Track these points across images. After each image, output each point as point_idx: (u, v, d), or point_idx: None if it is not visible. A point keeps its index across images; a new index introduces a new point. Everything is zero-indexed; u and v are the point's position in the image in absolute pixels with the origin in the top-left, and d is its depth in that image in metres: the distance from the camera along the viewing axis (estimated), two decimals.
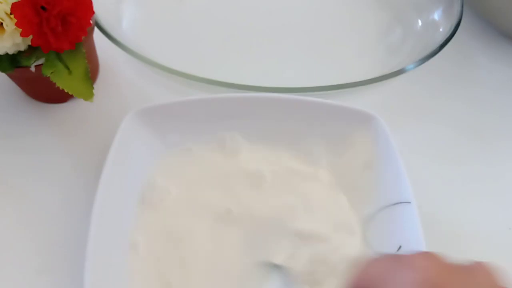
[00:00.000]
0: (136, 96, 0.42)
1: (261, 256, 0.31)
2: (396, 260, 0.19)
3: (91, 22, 0.35)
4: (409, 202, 0.31)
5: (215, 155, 0.37)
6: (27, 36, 0.32)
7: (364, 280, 0.20)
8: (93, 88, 0.35)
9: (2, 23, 0.32)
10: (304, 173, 0.36)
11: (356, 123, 0.36)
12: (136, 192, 0.34)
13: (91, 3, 0.34)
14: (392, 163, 0.33)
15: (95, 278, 0.28)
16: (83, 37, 0.34)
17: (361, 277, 0.20)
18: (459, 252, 0.19)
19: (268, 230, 0.33)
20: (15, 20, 0.31)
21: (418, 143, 0.41)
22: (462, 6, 0.45)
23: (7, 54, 0.34)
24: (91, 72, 0.36)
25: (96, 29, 0.39)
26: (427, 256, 0.18)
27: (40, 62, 0.35)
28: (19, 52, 0.34)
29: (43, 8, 0.32)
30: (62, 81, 0.34)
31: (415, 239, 0.30)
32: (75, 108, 0.41)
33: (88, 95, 0.35)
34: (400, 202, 0.32)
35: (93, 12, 0.35)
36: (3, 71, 0.35)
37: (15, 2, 0.31)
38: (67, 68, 0.35)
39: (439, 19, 0.47)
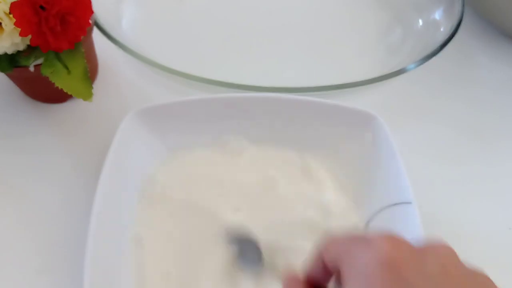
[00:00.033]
0: (136, 96, 0.42)
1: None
2: (358, 239, 0.20)
3: (90, 21, 0.35)
4: (410, 203, 0.31)
5: (215, 155, 0.37)
6: (26, 35, 0.32)
7: (325, 256, 0.21)
8: (92, 88, 0.35)
9: (1, 23, 0.32)
10: (304, 173, 0.36)
11: (356, 123, 0.36)
12: (135, 192, 0.34)
13: (90, 2, 0.34)
14: (392, 163, 0.33)
15: (94, 278, 0.28)
16: (82, 37, 0.34)
17: (323, 253, 0.21)
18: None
19: (268, 229, 0.33)
20: (14, 20, 0.31)
21: (418, 143, 0.41)
22: (463, 6, 0.45)
23: (6, 53, 0.34)
24: (90, 72, 0.36)
25: (95, 29, 0.39)
26: (388, 237, 0.19)
27: (39, 61, 0.35)
28: (18, 51, 0.34)
29: (42, 7, 0.31)
30: (61, 81, 0.34)
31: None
32: (74, 108, 0.41)
33: (87, 95, 0.35)
34: (401, 203, 0.32)
35: (92, 12, 0.34)
36: (2, 71, 0.35)
37: (14, 2, 0.31)
38: (66, 68, 0.35)
39: (440, 19, 0.47)
